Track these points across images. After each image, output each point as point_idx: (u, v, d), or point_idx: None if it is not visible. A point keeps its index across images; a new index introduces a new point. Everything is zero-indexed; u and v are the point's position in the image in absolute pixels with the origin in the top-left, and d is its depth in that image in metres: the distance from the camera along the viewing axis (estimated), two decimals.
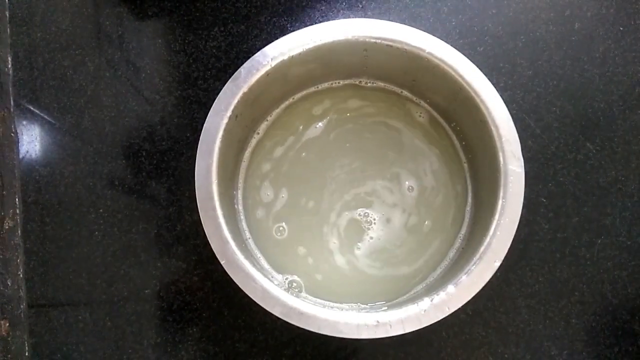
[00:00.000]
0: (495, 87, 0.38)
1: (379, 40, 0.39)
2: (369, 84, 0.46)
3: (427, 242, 0.43)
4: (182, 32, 0.49)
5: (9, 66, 0.48)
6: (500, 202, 0.37)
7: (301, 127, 0.45)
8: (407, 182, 0.44)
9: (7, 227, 0.46)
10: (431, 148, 0.45)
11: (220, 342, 0.45)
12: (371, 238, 0.43)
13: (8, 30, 0.49)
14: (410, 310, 0.35)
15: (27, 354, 0.45)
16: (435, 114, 0.45)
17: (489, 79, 0.38)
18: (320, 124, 0.45)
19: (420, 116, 0.45)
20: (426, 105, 0.45)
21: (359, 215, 0.44)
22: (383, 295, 0.42)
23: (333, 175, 0.44)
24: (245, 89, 0.39)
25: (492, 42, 0.48)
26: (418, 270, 0.43)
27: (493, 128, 0.38)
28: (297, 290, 0.42)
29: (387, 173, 0.44)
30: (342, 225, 0.43)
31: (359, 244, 0.43)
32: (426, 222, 0.44)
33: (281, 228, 0.43)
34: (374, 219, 0.44)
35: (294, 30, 0.39)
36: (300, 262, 0.43)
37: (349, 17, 0.49)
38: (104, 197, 0.47)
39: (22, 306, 0.46)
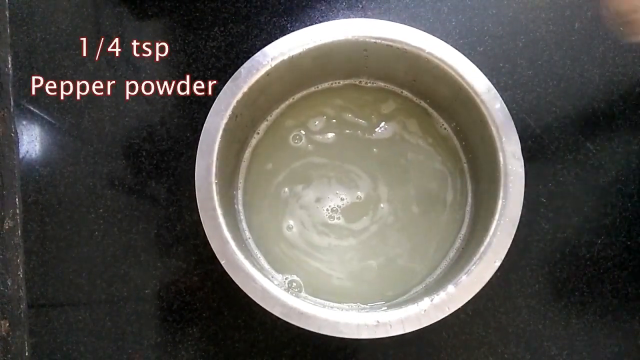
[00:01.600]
0: (495, 87, 0.38)
1: (379, 40, 0.39)
2: (369, 84, 0.46)
3: (427, 242, 0.43)
4: (182, 32, 0.49)
5: (9, 66, 0.48)
6: (500, 202, 0.37)
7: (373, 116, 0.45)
8: (407, 182, 0.44)
9: (7, 227, 0.46)
10: (431, 148, 0.45)
11: (220, 342, 0.44)
12: (371, 238, 0.43)
13: (8, 30, 0.49)
14: (410, 310, 0.35)
15: (27, 354, 0.45)
16: (435, 114, 0.45)
17: (489, 79, 0.38)
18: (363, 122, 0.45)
19: (444, 129, 0.45)
20: (426, 105, 0.45)
21: (355, 212, 0.44)
22: (383, 296, 0.42)
23: (337, 164, 0.45)
24: (245, 89, 0.39)
25: (492, 42, 0.48)
26: (418, 270, 0.43)
27: (493, 128, 0.38)
28: (297, 290, 0.42)
29: (388, 172, 0.44)
30: (339, 221, 0.44)
31: (359, 243, 0.43)
32: (426, 222, 0.44)
33: (298, 136, 0.44)
34: (373, 219, 0.44)
35: (294, 30, 0.39)
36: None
37: (349, 17, 0.49)
38: (104, 197, 0.47)
39: (22, 306, 0.46)
